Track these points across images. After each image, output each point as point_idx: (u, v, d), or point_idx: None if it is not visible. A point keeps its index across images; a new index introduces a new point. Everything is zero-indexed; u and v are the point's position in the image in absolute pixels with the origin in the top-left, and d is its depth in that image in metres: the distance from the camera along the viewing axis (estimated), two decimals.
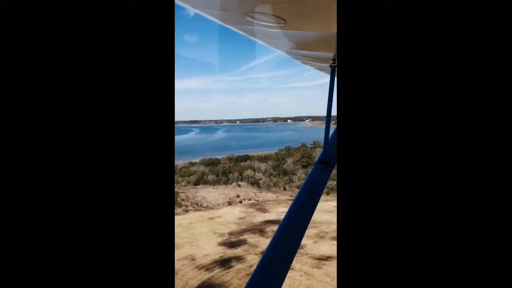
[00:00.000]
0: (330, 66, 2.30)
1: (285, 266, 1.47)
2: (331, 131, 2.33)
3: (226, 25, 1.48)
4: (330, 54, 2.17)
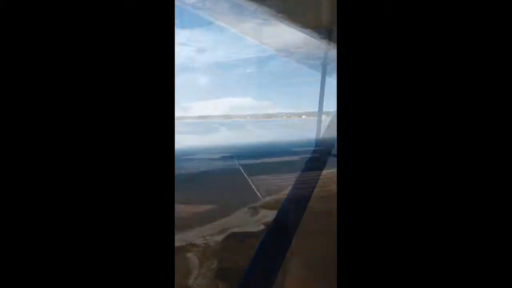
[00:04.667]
0: (321, 64, 2.28)
1: (279, 260, 1.49)
2: (323, 128, 2.35)
3: (217, 22, 1.47)
4: (322, 52, 2.15)
